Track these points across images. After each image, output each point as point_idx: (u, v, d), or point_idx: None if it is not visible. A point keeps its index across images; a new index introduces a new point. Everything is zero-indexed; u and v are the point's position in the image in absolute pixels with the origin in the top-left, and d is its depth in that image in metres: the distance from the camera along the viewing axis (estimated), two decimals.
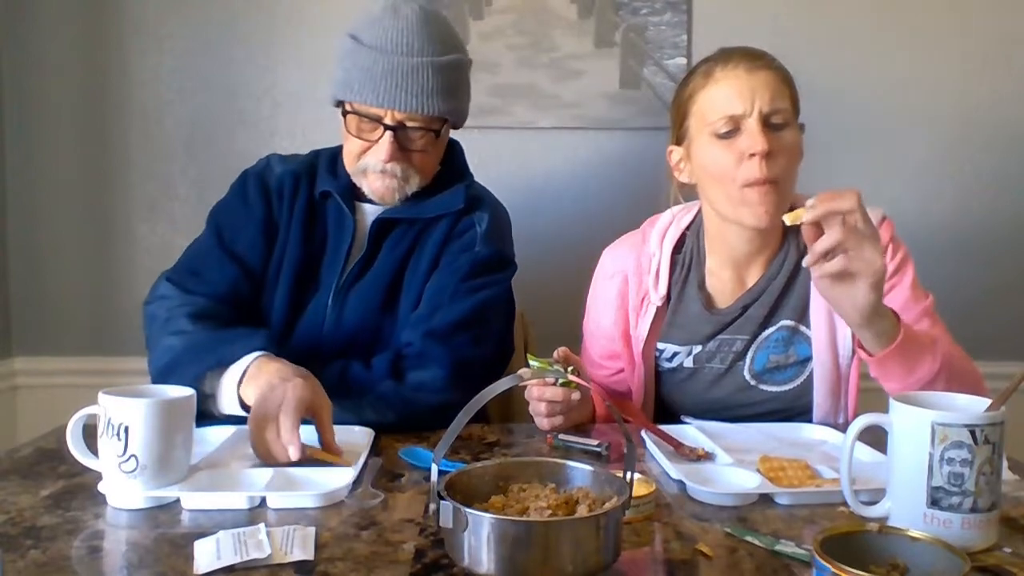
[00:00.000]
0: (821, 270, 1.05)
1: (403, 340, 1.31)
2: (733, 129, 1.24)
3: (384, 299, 1.36)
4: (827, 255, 1.04)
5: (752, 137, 1.22)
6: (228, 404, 1.15)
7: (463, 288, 1.33)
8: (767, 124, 1.23)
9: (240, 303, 1.34)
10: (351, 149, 1.37)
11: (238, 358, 1.15)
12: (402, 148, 1.34)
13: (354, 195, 1.41)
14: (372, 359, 1.27)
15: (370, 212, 1.40)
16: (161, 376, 1.18)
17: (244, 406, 1.12)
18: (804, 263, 1.07)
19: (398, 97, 1.29)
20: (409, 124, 1.33)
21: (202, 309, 1.27)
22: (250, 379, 1.12)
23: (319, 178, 1.42)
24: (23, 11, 2.04)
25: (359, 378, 1.24)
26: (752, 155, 1.22)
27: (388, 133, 1.31)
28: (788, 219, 1.08)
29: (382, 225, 1.38)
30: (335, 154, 1.46)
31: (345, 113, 1.35)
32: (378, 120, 1.32)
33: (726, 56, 1.28)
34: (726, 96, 1.25)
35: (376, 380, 1.23)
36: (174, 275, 1.35)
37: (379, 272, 1.37)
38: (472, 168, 1.51)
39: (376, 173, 1.35)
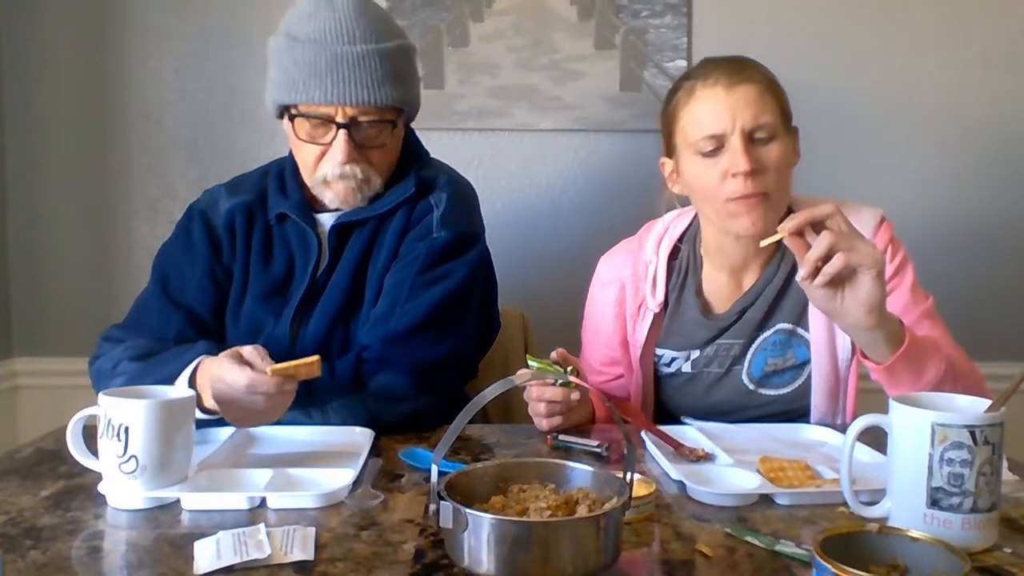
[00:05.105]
0: (822, 275, 1.02)
1: (363, 342, 1.26)
2: (716, 147, 1.23)
3: (346, 304, 1.30)
4: (823, 261, 1.02)
5: (735, 156, 1.21)
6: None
7: (420, 282, 1.27)
8: (751, 140, 1.22)
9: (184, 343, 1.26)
10: (306, 160, 1.31)
11: (180, 372, 1.12)
12: (358, 147, 1.28)
13: (311, 208, 1.36)
14: (336, 363, 1.23)
15: (328, 221, 1.35)
16: None
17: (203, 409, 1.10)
18: (798, 278, 1.05)
19: (347, 91, 1.23)
20: (363, 119, 1.26)
21: (145, 349, 1.22)
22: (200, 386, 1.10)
23: (271, 201, 1.37)
24: (23, 11, 2.04)
25: (323, 386, 1.18)
26: (735, 174, 1.21)
27: (342, 132, 1.25)
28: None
29: (341, 231, 1.33)
30: (282, 169, 1.41)
31: (292, 118, 1.28)
32: (329, 119, 1.25)
33: (706, 71, 1.26)
34: (706, 115, 1.23)
35: (339, 388, 1.20)
36: (115, 330, 1.31)
37: (340, 278, 1.31)
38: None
39: (336, 179, 1.28)
